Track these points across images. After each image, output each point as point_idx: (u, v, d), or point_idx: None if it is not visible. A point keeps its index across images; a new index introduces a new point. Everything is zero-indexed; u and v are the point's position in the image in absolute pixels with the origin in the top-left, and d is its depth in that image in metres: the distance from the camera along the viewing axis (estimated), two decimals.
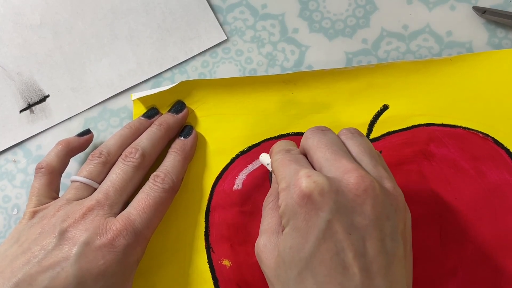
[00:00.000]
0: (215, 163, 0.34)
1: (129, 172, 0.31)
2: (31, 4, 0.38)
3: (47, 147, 0.36)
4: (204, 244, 0.33)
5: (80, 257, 0.26)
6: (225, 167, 0.34)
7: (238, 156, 0.34)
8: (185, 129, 0.34)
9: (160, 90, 0.34)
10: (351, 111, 0.34)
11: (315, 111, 0.34)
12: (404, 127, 0.33)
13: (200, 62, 0.36)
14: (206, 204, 0.33)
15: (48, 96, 0.37)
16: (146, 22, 0.37)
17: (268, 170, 0.32)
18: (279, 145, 0.29)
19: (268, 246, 0.26)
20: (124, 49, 0.37)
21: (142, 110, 0.35)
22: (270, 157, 0.29)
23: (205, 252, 0.32)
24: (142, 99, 0.35)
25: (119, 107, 0.36)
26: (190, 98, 0.35)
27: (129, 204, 0.30)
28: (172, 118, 0.34)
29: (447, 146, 0.32)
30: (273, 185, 0.30)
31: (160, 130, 0.33)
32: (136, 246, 0.28)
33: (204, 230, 0.33)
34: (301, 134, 0.34)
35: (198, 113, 0.35)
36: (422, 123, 0.33)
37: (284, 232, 0.24)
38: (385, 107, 0.33)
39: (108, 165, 0.31)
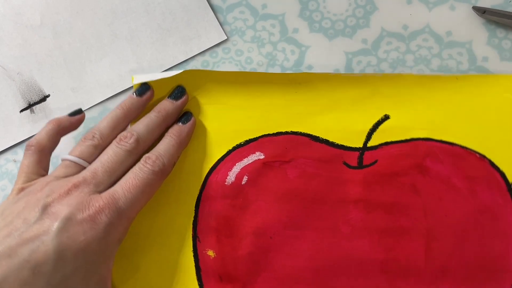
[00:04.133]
0: (211, 153, 0.34)
1: (121, 155, 0.30)
2: (31, 4, 0.38)
3: None
4: (191, 232, 0.33)
5: (61, 232, 0.26)
6: (220, 158, 0.33)
7: (234, 148, 0.34)
8: (185, 115, 0.34)
9: (163, 77, 0.34)
10: (353, 117, 0.33)
11: (317, 113, 0.34)
12: (403, 139, 0.33)
13: (200, 62, 0.37)
14: (198, 193, 0.33)
15: (48, 96, 0.37)
16: (146, 22, 0.37)
17: None
18: None
19: None
20: (124, 49, 0.37)
21: None
22: None
23: (191, 240, 0.32)
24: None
25: None
26: (193, 86, 0.34)
27: (117, 183, 0.30)
28: (171, 105, 0.33)
29: (442, 162, 0.32)
30: None
31: (158, 118, 0.33)
32: (118, 225, 0.28)
33: (193, 218, 0.33)
34: (300, 134, 0.34)
35: (201, 100, 0.34)
36: (421, 137, 0.33)
37: None
38: (386, 117, 0.33)
39: (100, 148, 0.31)
